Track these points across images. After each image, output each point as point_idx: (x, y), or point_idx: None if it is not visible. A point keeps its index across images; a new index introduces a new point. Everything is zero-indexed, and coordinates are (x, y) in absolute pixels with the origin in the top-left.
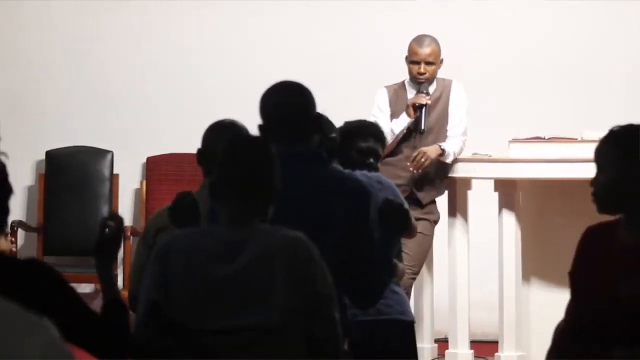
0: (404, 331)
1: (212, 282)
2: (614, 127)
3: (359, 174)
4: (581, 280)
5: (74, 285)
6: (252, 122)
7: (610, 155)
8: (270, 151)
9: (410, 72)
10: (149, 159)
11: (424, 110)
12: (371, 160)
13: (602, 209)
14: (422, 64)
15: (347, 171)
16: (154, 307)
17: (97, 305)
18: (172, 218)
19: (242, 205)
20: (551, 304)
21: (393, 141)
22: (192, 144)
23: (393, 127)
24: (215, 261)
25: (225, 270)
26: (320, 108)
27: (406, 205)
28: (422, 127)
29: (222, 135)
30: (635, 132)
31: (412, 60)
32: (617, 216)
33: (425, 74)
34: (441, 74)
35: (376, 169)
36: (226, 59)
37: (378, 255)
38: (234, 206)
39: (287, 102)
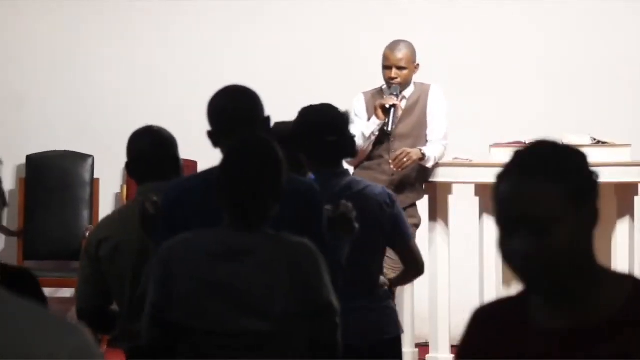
0: (398, 345)
1: (216, 286)
2: (528, 151)
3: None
4: None
5: (54, 289)
6: None
7: (554, 196)
8: (277, 151)
9: (383, 77)
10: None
11: (392, 111)
12: None
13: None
14: (393, 68)
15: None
16: (158, 309)
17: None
18: (145, 228)
19: (248, 208)
20: None
21: (366, 145)
22: None
23: (364, 129)
24: (220, 264)
25: (229, 274)
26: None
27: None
28: (389, 129)
29: (149, 142)
30: (571, 153)
31: (384, 65)
32: (520, 291)
33: (396, 78)
34: (421, 78)
35: None
36: (206, 65)
37: (329, 258)
38: (240, 209)
39: (234, 105)
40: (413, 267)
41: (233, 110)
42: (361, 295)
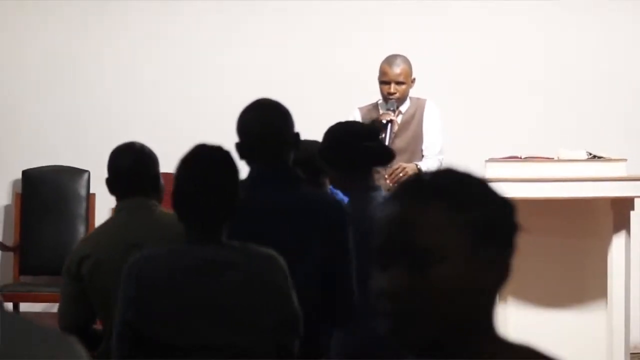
0: None
1: (190, 300)
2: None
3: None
4: None
5: (49, 304)
6: (226, 142)
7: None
8: (230, 159)
9: (381, 92)
10: None
11: (389, 126)
12: None
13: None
14: (392, 84)
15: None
16: (128, 326)
17: None
18: None
19: (209, 221)
20: (529, 323)
21: None
22: (168, 164)
23: None
24: (196, 280)
25: (206, 289)
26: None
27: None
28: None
29: (130, 158)
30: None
31: (382, 80)
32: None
33: (395, 93)
34: (416, 93)
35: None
36: (202, 79)
37: (351, 274)
38: (201, 222)
39: (265, 120)
40: None
41: (262, 126)
42: None
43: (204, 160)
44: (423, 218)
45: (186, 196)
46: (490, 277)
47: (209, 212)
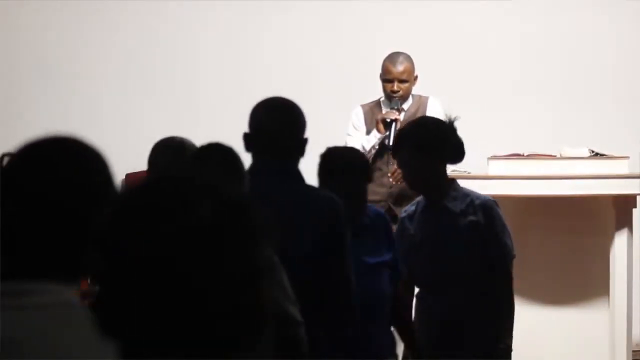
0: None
1: None
2: None
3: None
4: None
5: None
6: (226, 140)
7: None
8: (237, 158)
9: (384, 90)
10: (128, 176)
11: (393, 125)
12: None
13: None
14: (395, 82)
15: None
16: None
17: None
18: None
19: None
20: (531, 321)
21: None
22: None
23: (364, 143)
24: None
25: None
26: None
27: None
28: (390, 142)
29: (170, 154)
30: None
31: (385, 78)
32: None
33: (399, 91)
34: (418, 90)
35: None
36: (206, 77)
37: (348, 276)
38: None
39: (278, 117)
40: None
41: (276, 122)
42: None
43: (204, 156)
44: None
45: None
46: None
47: None
